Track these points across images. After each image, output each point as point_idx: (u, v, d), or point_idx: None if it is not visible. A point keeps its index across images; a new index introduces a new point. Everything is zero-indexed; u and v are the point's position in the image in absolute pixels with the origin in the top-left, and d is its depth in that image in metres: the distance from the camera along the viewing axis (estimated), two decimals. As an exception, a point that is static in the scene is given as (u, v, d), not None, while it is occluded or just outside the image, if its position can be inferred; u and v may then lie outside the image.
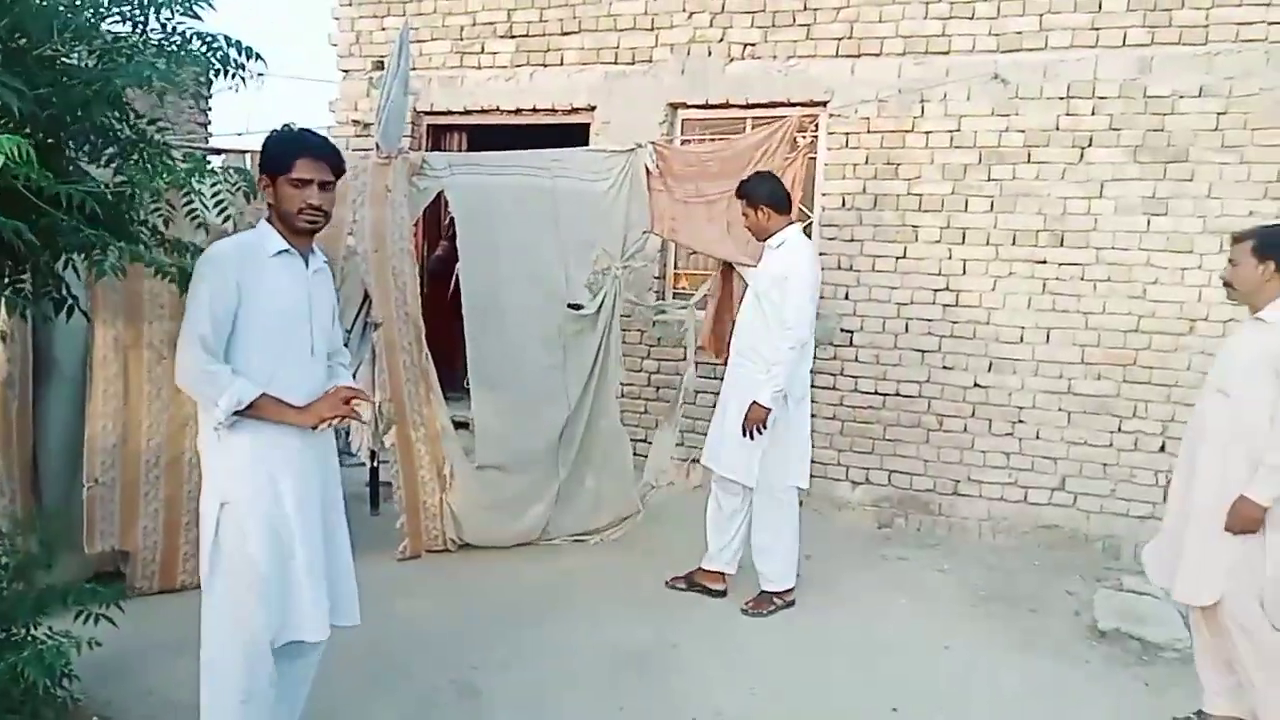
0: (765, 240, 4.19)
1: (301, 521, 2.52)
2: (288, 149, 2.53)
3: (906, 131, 5.50)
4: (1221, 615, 3.05)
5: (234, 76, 2.56)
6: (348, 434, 4.44)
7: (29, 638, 2.65)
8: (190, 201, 2.74)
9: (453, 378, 7.14)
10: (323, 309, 2.66)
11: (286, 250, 2.55)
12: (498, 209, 4.43)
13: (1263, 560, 2.99)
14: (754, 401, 3.92)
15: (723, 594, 4.33)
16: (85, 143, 2.63)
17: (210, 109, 9.27)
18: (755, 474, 4.09)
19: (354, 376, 4.35)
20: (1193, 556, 3.12)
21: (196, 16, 2.49)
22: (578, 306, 4.62)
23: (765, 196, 4.16)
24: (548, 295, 4.54)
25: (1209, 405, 3.16)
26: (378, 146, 4.20)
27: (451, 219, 6.86)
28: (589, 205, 4.54)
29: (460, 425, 6.24)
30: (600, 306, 4.49)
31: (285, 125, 2.68)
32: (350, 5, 6.71)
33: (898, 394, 5.59)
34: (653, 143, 4.75)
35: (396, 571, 4.48)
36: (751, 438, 3.96)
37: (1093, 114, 5.15)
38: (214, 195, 2.87)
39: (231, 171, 3.05)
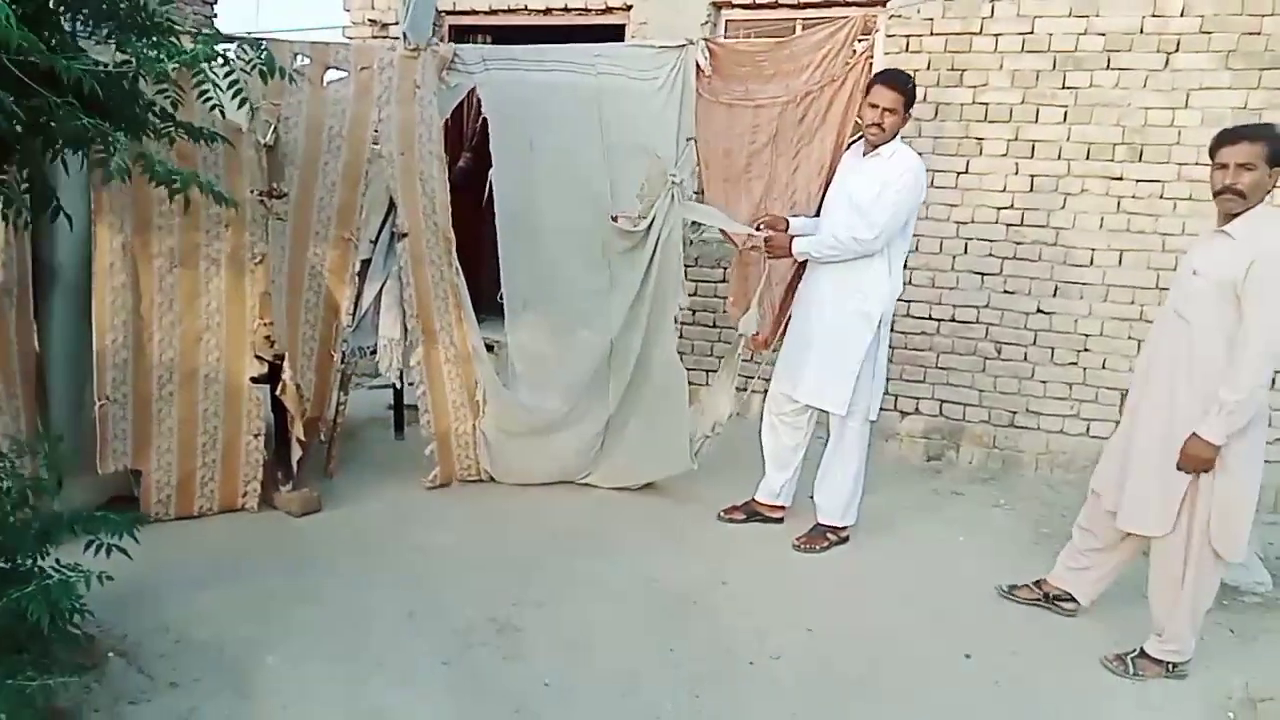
0: (878, 146, 3.81)
1: None
2: None
3: (974, 34, 5.04)
4: (1167, 542, 2.99)
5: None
6: (373, 352, 4.14)
7: (35, 569, 2.39)
8: (203, 83, 2.38)
9: (480, 297, 6.86)
10: None
11: None
12: (536, 108, 4.04)
13: (1210, 498, 2.88)
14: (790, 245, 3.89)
15: (780, 521, 4.15)
16: (81, 8, 2.27)
17: (216, 1, 8.82)
18: (848, 401, 3.82)
19: (380, 291, 4.08)
20: (1139, 488, 3.02)
21: None
22: (618, 220, 4.26)
23: (913, 97, 3.85)
24: (593, 206, 4.15)
25: (1165, 328, 3.01)
26: (405, 37, 3.80)
27: (476, 128, 6.49)
28: (638, 106, 4.12)
29: (491, 348, 5.98)
30: (653, 220, 4.11)
31: None
32: (367, -110, 6.20)
33: (953, 319, 5.24)
34: (705, 39, 4.32)
35: (427, 500, 4.23)
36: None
37: (1181, 14, 4.68)
38: (228, 79, 2.52)
39: (246, 49, 2.69)
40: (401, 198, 3.88)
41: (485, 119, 4.02)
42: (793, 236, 3.98)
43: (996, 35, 5.00)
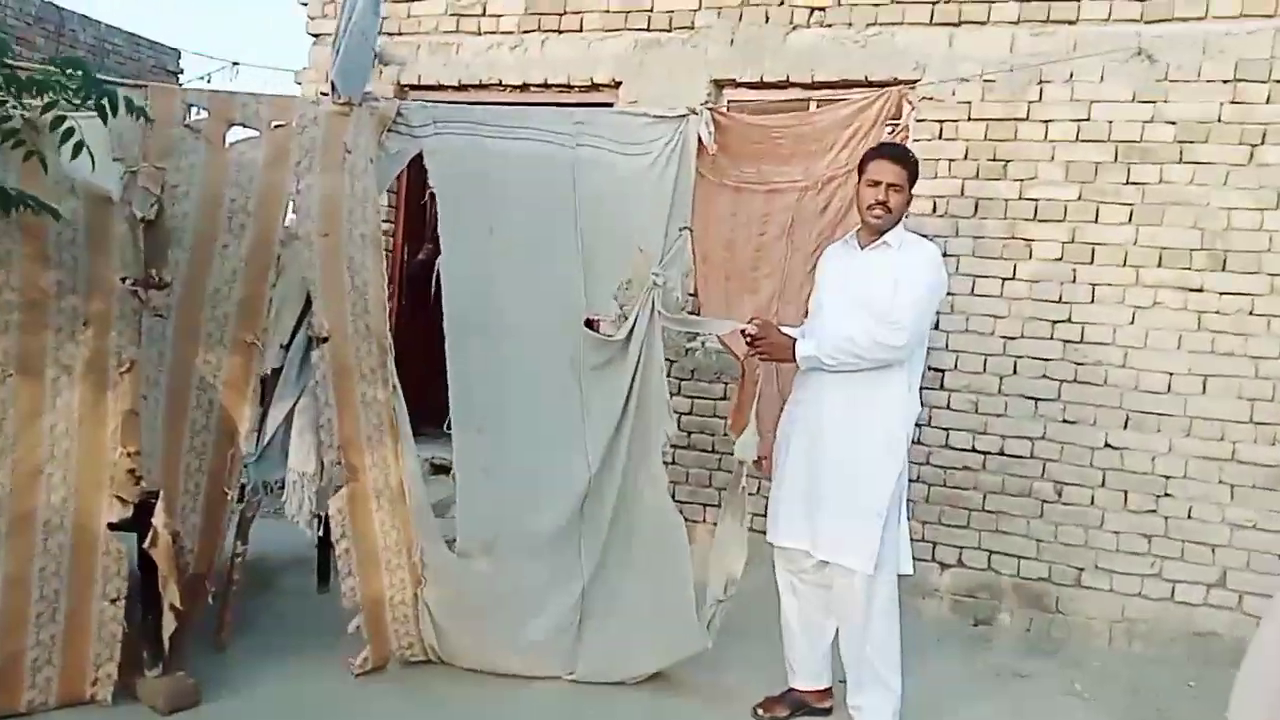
0: (882, 234, 3.10)
1: None
2: None
3: (1020, 120, 4.34)
4: None
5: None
6: (281, 487, 3.19)
7: None
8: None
9: (438, 411, 5.94)
10: None
11: None
12: (497, 183, 3.23)
13: None
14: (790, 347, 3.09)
15: (828, 712, 3.26)
16: None
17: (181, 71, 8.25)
18: (876, 553, 2.98)
19: (291, 411, 3.17)
20: None
21: None
22: (593, 325, 3.40)
23: (916, 173, 3.18)
24: (563, 307, 3.32)
25: None
26: (333, 88, 3.00)
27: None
28: (624, 185, 3.34)
29: (443, 469, 4.98)
30: (633, 328, 3.26)
31: None
32: (324, -41, 5.56)
33: (1003, 452, 4.36)
34: (710, 108, 3.56)
35: (352, 692, 3.17)
36: None
37: (1267, 101, 3.99)
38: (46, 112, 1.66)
39: (71, 75, 1.85)
40: (322, 291, 3.01)
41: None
42: (793, 337, 3.17)
43: (1046, 122, 4.29)
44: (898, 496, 3.09)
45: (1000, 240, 4.36)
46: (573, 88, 5.12)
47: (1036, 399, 4.31)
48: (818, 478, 3.10)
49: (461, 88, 5.27)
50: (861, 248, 3.18)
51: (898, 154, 3.16)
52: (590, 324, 3.38)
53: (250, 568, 3.63)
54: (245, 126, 2.94)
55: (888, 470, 3.03)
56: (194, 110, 2.89)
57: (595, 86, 5.08)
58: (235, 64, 6.40)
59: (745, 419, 3.26)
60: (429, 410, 5.89)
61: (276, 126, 2.97)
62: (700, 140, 3.47)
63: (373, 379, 3.08)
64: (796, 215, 3.68)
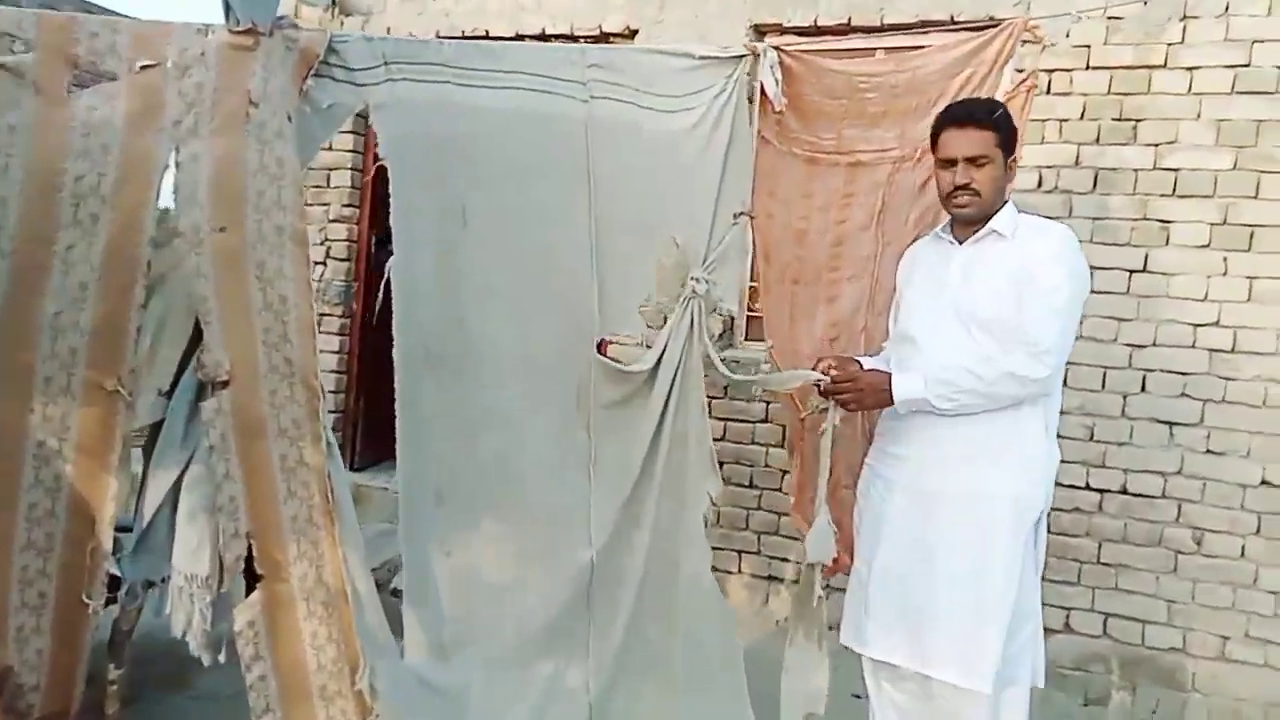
0: (981, 221, 2.25)
1: None
2: None
3: (1154, 67, 3.37)
4: None
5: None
6: (159, 586, 2.25)
7: None
8: None
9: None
10: None
11: None
12: (473, 152, 2.24)
13: None
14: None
15: None
16: None
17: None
18: (996, 665, 2.14)
19: (177, 483, 2.21)
20: None
21: None
22: (603, 349, 2.45)
23: (1011, 132, 2.28)
24: (564, 327, 2.37)
25: None
26: (227, 11, 2.01)
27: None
28: (655, 155, 2.39)
29: None
30: (663, 354, 2.31)
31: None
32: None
33: (1125, 490, 3.44)
34: (776, 47, 2.58)
35: None
36: None
37: None
38: None
39: None
40: (218, 312, 2.02)
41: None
42: (886, 373, 2.27)
43: (1191, 69, 3.33)
44: (1032, 585, 2.21)
45: (1128, 222, 3.42)
46: (577, 38, 4.15)
47: (1172, 424, 3.38)
48: (922, 567, 2.22)
49: (441, 39, 4.28)
50: (960, 242, 2.28)
51: (973, 113, 2.23)
52: (602, 348, 2.42)
53: (149, 662, 2.70)
54: (94, 69, 1.94)
55: (1013, 551, 2.16)
56: (11, 43, 1.90)
57: (605, 37, 4.12)
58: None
59: (813, 505, 2.33)
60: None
61: (144, 68, 1.97)
62: (764, 91, 2.51)
63: (297, 436, 2.11)
64: (888, 196, 2.75)
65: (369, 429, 4.69)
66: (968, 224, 2.26)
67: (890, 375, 2.22)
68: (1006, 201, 2.26)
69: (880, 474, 2.36)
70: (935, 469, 2.24)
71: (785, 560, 3.88)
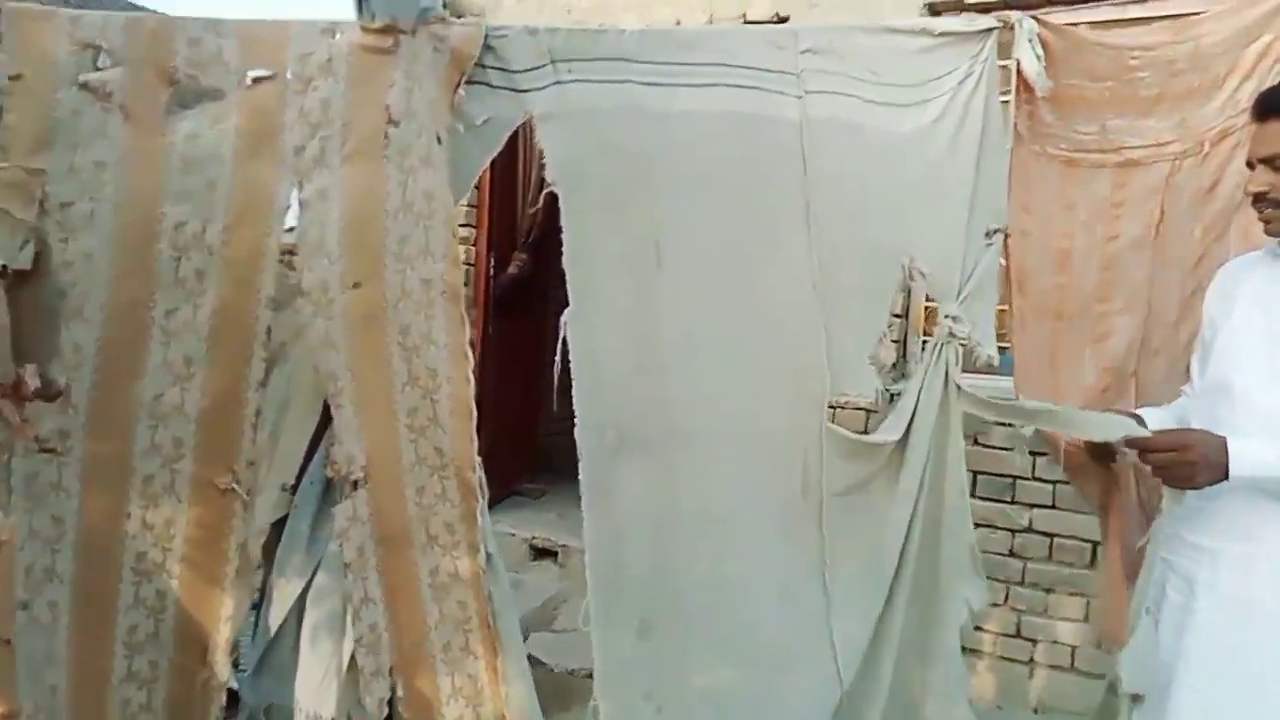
0: None
1: None
2: None
3: None
4: None
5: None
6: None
7: None
8: None
9: (537, 462, 4.53)
10: None
11: None
12: (667, 172, 1.75)
13: None
14: None
15: None
16: None
17: None
18: None
19: (301, 599, 1.79)
20: None
21: None
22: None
23: None
24: (790, 392, 1.85)
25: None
26: (360, 6, 1.56)
27: (539, 207, 4.25)
28: (885, 161, 1.85)
29: (547, 553, 3.70)
30: (914, 415, 1.78)
31: None
32: None
33: None
34: (1035, 16, 2.00)
35: None
36: None
37: None
38: None
39: None
40: (353, 392, 1.58)
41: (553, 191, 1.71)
42: (1221, 439, 1.67)
43: None
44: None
45: None
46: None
47: None
48: (1240, 698, 1.63)
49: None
50: None
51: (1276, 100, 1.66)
52: (834, 417, 1.89)
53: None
54: (195, 86, 1.52)
55: None
56: (98, 55, 1.49)
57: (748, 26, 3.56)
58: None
59: (1126, 613, 1.76)
60: (523, 468, 4.47)
61: (256, 81, 1.54)
62: (1020, 74, 1.94)
63: (450, 544, 1.66)
64: (1168, 203, 2.14)
65: (490, 466, 4.24)
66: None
67: (1225, 440, 1.64)
68: None
69: (1176, 568, 1.79)
70: (1263, 571, 1.66)
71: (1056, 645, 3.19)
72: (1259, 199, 1.67)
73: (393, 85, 1.55)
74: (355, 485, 1.60)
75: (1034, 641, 3.19)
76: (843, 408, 1.88)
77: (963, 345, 1.79)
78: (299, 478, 1.68)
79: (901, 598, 1.81)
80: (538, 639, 3.50)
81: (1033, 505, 3.19)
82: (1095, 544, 3.04)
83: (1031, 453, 3.13)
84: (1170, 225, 2.15)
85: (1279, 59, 2.10)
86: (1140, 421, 1.79)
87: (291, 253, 1.58)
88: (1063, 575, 3.15)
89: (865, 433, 1.95)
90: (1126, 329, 2.16)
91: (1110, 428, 1.65)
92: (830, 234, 1.83)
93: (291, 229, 1.56)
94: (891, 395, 2.18)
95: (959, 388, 1.80)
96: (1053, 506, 3.17)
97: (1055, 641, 3.17)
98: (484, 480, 1.68)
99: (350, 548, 1.61)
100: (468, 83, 1.60)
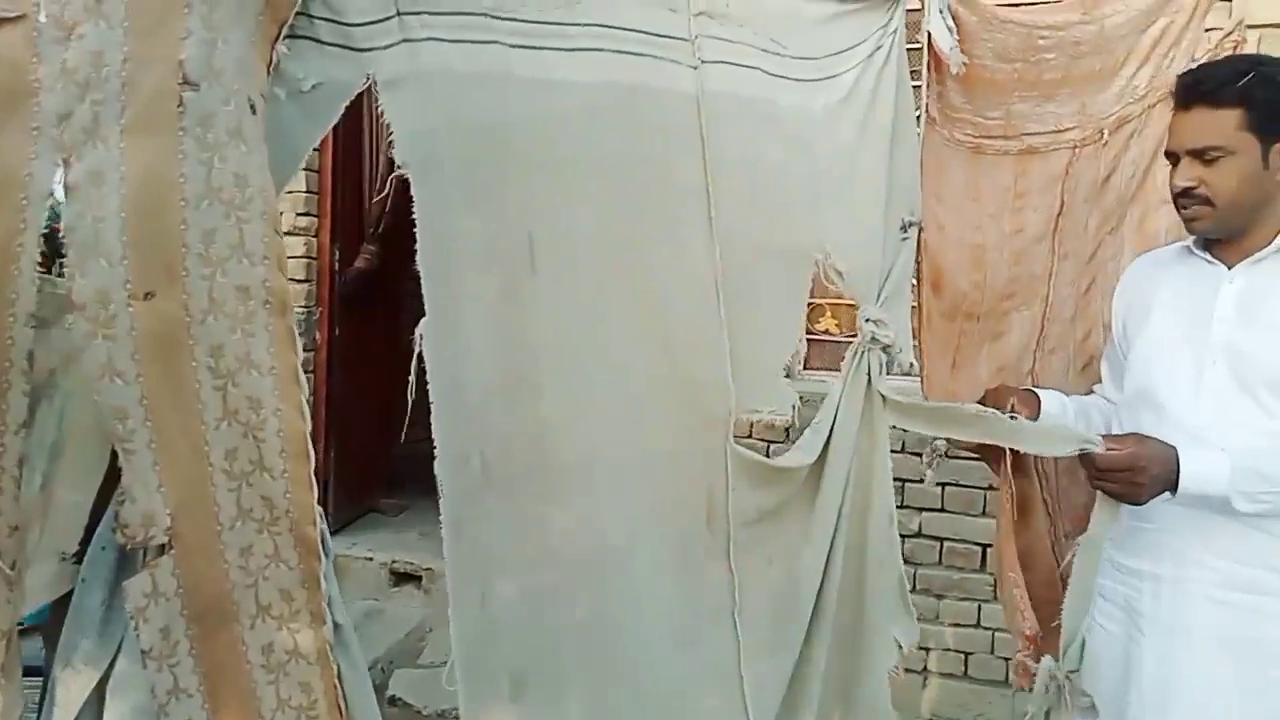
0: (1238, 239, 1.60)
1: None
2: None
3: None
4: None
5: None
6: None
7: None
8: None
9: (393, 483, 4.16)
10: None
11: None
12: (539, 151, 1.46)
13: None
14: None
15: None
16: None
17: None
18: None
19: (100, 687, 1.43)
20: None
21: None
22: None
23: (1269, 105, 1.54)
24: (686, 410, 1.60)
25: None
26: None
27: (389, 192, 3.85)
28: (799, 144, 1.64)
29: (409, 578, 3.41)
30: (832, 433, 1.58)
31: None
32: None
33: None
34: (946, -12, 1.84)
35: None
36: None
37: None
38: None
39: None
40: (149, 434, 1.23)
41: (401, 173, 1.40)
42: (1172, 449, 1.56)
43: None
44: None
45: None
46: None
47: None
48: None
49: None
50: (1228, 264, 1.58)
51: (1201, 85, 1.56)
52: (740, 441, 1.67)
53: None
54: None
55: None
56: None
57: None
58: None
59: (1068, 617, 1.62)
60: (378, 483, 4.15)
61: (4, 19, 1.16)
62: (934, 49, 1.77)
63: (287, 615, 1.33)
64: (1068, 193, 2.04)
65: (342, 482, 3.82)
66: (1233, 239, 1.58)
67: (1176, 455, 1.51)
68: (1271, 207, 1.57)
69: (1109, 594, 1.68)
70: (1199, 598, 1.56)
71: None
72: (1185, 194, 1.56)
73: (188, 36, 1.20)
74: (162, 550, 1.25)
75: (926, 650, 3.09)
76: (774, 419, 1.65)
77: (885, 351, 1.59)
78: (85, 542, 1.31)
79: (822, 639, 1.60)
80: (402, 676, 3.17)
81: (922, 509, 3.09)
82: (985, 546, 2.97)
83: (912, 454, 3.02)
84: (1068, 218, 2.06)
85: (1174, 44, 2.04)
86: (1035, 399, 1.70)
87: (58, 254, 1.22)
88: (953, 580, 3.07)
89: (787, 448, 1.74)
90: (1023, 325, 2.05)
91: (1059, 441, 1.50)
92: (734, 227, 1.59)
93: (54, 224, 1.19)
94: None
95: (884, 398, 1.61)
96: (942, 509, 3.08)
97: (947, 649, 3.09)
98: (327, 535, 1.36)
99: (150, 630, 1.26)
100: (289, 37, 1.27)
